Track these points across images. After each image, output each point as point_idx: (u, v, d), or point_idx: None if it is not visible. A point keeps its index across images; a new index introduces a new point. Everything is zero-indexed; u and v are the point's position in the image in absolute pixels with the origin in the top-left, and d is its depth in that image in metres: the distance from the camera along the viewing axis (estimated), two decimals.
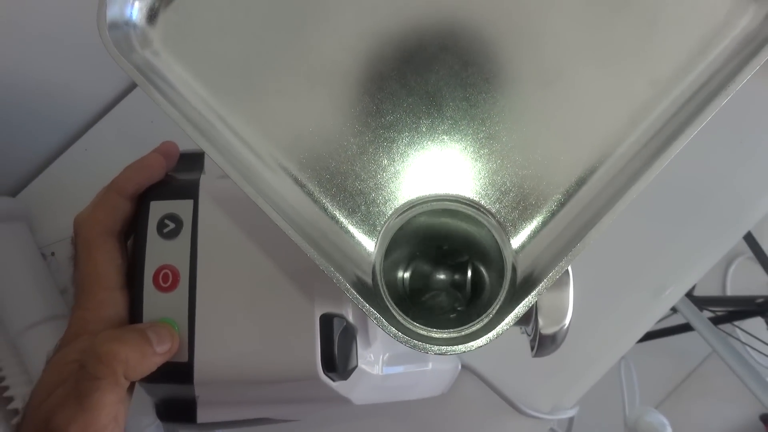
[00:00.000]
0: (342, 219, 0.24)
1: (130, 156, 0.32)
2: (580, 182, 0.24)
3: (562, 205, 0.24)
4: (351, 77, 0.25)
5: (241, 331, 0.30)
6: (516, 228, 0.24)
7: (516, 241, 0.24)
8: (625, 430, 0.65)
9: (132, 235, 0.32)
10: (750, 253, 1.03)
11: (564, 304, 0.30)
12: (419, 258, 0.29)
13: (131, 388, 0.29)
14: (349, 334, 0.31)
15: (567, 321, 0.30)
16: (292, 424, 0.35)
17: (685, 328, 0.97)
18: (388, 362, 0.37)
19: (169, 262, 0.30)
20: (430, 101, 0.25)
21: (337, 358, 0.29)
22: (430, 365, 0.42)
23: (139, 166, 0.31)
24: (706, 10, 0.24)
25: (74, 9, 0.49)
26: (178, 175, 0.33)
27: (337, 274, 0.21)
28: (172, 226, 0.30)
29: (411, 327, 0.22)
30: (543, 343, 0.31)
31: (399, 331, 0.20)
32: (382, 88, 0.25)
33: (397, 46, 0.25)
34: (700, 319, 0.79)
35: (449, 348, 0.20)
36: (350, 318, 0.31)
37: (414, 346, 0.20)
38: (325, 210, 0.24)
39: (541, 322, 0.30)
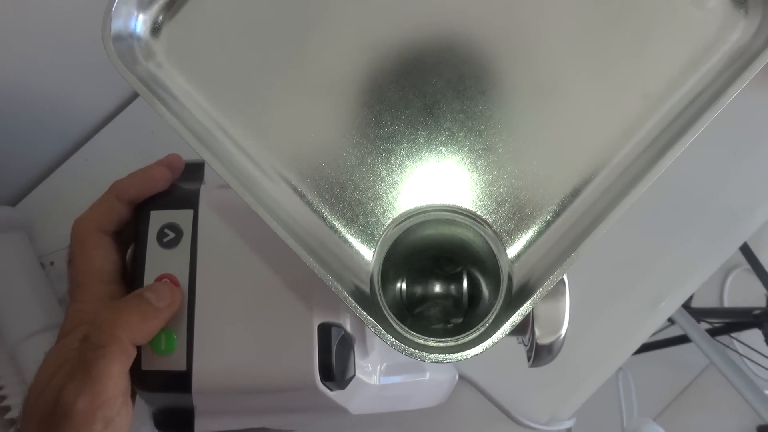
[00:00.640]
0: (341, 229, 0.25)
1: (131, 166, 0.32)
2: (575, 193, 0.24)
3: (557, 215, 0.24)
4: (350, 89, 0.26)
5: (239, 340, 0.30)
6: (512, 238, 0.24)
7: (512, 251, 0.24)
8: None
9: (132, 243, 0.32)
10: (747, 265, 1.03)
11: (560, 314, 0.30)
12: (417, 267, 0.29)
13: (133, 395, 0.29)
14: (347, 343, 0.31)
15: (563, 331, 0.30)
16: None
17: (683, 339, 0.97)
18: (385, 372, 0.37)
19: (168, 271, 0.30)
20: (427, 113, 0.25)
21: (334, 367, 0.29)
22: (428, 375, 0.42)
23: (143, 176, 0.31)
24: (697, 25, 0.24)
25: (74, 20, 0.49)
26: (179, 184, 0.33)
27: (336, 284, 0.21)
28: (172, 235, 0.31)
29: (408, 336, 0.23)
30: (539, 354, 0.31)
31: (396, 339, 0.21)
32: (380, 100, 0.25)
33: (395, 58, 0.25)
34: (698, 330, 0.79)
35: (446, 356, 0.20)
36: (348, 327, 0.31)
37: (411, 355, 0.20)
38: (324, 219, 0.25)
39: (537, 332, 0.30)
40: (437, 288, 0.29)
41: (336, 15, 0.26)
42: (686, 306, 1.00)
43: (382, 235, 0.25)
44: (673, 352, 1.01)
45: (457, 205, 0.25)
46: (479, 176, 0.25)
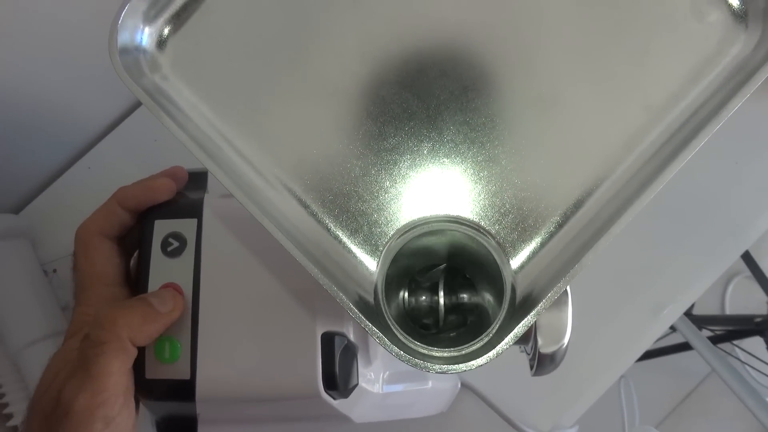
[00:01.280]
0: (345, 239, 0.25)
1: (133, 174, 0.32)
2: (578, 205, 0.24)
3: (560, 226, 0.24)
4: (354, 101, 0.26)
5: (243, 348, 0.30)
6: (515, 249, 0.24)
7: (515, 262, 0.24)
8: None
9: (136, 251, 0.32)
10: (748, 272, 1.03)
11: (563, 323, 0.30)
12: (421, 277, 0.29)
13: (137, 397, 0.29)
14: (350, 352, 0.31)
15: (566, 340, 0.31)
16: None
17: (685, 346, 0.97)
18: (388, 380, 0.37)
19: (172, 280, 0.30)
20: (431, 125, 0.25)
21: (338, 376, 0.29)
22: (430, 384, 0.42)
23: (147, 186, 0.31)
24: (698, 39, 0.25)
25: (78, 30, 0.50)
26: (183, 192, 0.33)
27: (340, 294, 0.21)
28: (176, 244, 0.31)
29: (412, 346, 0.23)
30: (542, 362, 0.31)
31: (401, 350, 0.21)
32: (384, 112, 0.25)
33: (398, 71, 0.26)
34: (699, 338, 0.79)
35: (450, 367, 0.21)
36: (351, 336, 0.31)
37: (416, 365, 0.21)
38: (328, 230, 0.25)
39: (540, 341, 0.30)
40: (441, 298, 0.29)
41: (339, 27, 0.26)
42: (688, 313, 1.00)
43: (385, 245, 0.25)
44: (675, 359, 1.01)
45: (460, 215, 0.25)
46: (482, 187, 0.25)
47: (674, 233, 0.52)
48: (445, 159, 0.25)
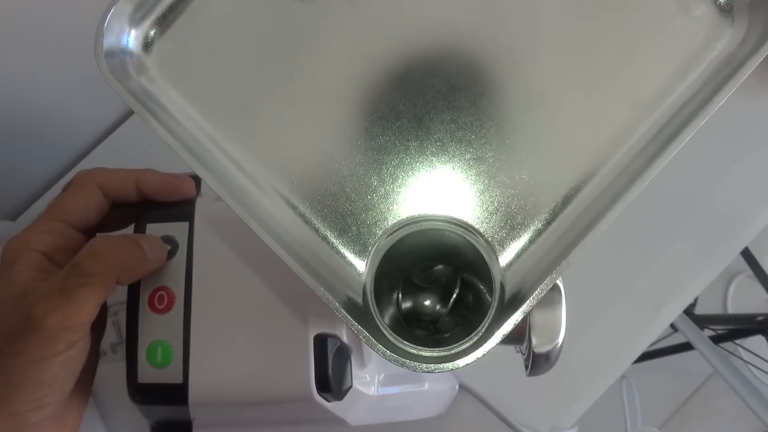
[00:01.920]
0: (333, 240, 0.25)
1: None
2: (566, 201, 0.24)
3: (548, 223, 0.24)
4: (341, 102, 0.26)
5: (235, 352, 0.30)
6: (504, 246, 0.24)
7: (504, 259, 0.24)
8: None
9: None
10: (750, 271, 1.03)
11: (557, 322, 0.30)
12: (414, 278, 0.29)
13: (98, 334, 0.29)
14: (344, 354, 0.31)
15: (560, 339, 0.30)
16: None
17: (687, 346, 0.97)
18: (383, 382, 0.37)
19: (164, 283, 0.30)
20: (418, 124, 0.25)
21: (331, 378, 0.29)
22: (427, 385, 0.42)
23: (171, 180, 0.31)
24: (685, 34, 0.25)
25: (72, 35, 0.50)
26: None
27: (328, 294, 0.21)
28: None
29: (401, 346, 0.23)
30: (537, 362, 0.31)
31: (388, 350, 0.21)
32: (372, 111, 0.25)
33: (386, 71, 0.26)
34: (700, 337, 0.78)
35: (437, 366, 0.20)
36: (344, 338, 0.31)
37: (402, 365, 0.20)
38: (317, 231, 0.25)
39: (534, 340, 0.30)
40: (433, 297, 0.29)
41: (326, 28, 0.26)
42: (689, 313, 1.00)
43: (374, 245, 0.25)
44: (677, 359, 1.01)
45: (448, 214, 0.25)
46: (470, 186, 0.25)
47: (672, 232, 0.51)
48: (432, 158, 0.25)
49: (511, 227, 0.24)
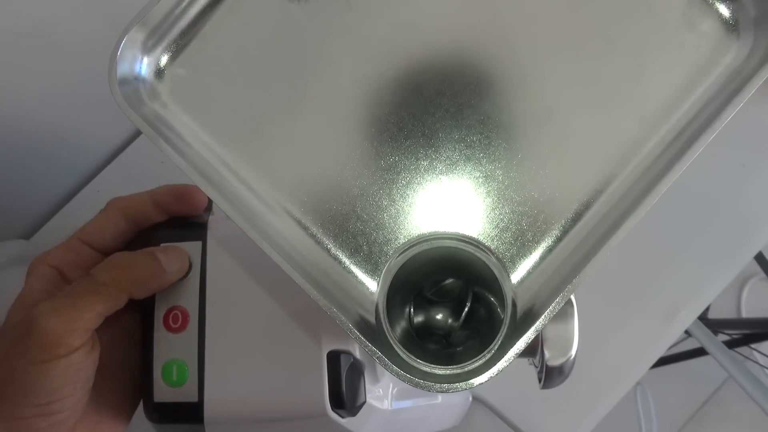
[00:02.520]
0: (344, 259, 0.25)
1: None
2: (576, 218, 0.24)
3: (558, 240, 0.24)
4: (350, 122, 0.26)
5: (250, 370, 0.30)
6: (515, 263, 0.24)
7: (515, 277, 0.24)
8: None
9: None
10: (764, 274, 1.02)
11: (569, 335, 0.30)
12: (425, 292, 0.29)
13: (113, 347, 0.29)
14: (357, 370, 0.31)
15: (573, 352, 0.30)
16: None
17: (702, 351, 0.96)
18: (397, 396, 0.37)
19: (178, 303, 0.31)
20: (427, 143, 0.25)
21: (345, 394, 0.29)
22: (440, 398, 0.42)
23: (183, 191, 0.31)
24: (691, 49, 0.25)
25: (83, 57, 0.51)
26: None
27: (340, 314, 0.21)
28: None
29: (414, 364, 0.23)
30: (550, 375, 0.31)
31: (402, 369, 0.21)
32: (380, 131, 0.26)
33: (394, 91, 0.26)
34: (714, 342, 0.78)
35: (450, 386, 0.20)
36: (357, 354, 0.31)
37: (416, 385, 0.21)
38: (328, 251, 0.25)
39: (547, 353, 0.30)
40: (445, 311, 0.29)
41: (334, 50, 0.27)
42: (703, 318, 0.99)
43: (385, 264, 0.25)
44: (691, 365, 1.00)
45: (459, 232, 0.25)
46: (480, 203, 0.25)
47: (685, 238, 0.51)
48: (442, 177, 0.25)
49: (521, 244, 0.24)
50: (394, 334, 0.24)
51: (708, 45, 0.25)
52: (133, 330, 0.31)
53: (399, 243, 0.25)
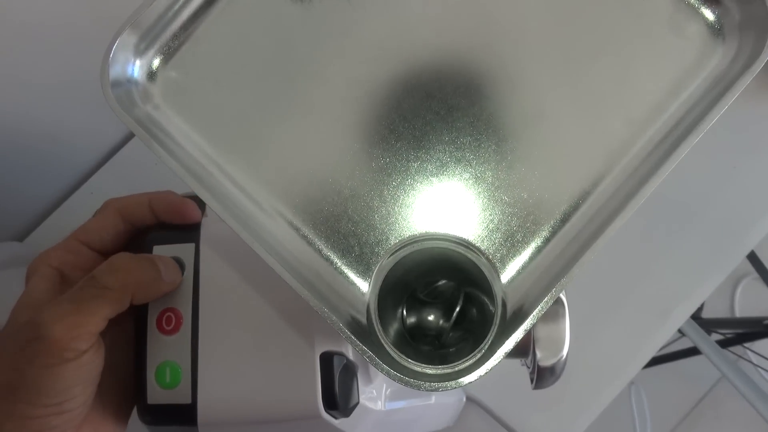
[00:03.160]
0: (336, 260, 0.25)
1: None
2: (565, 219, 0.24)
3: (548, 240, 0.24)
4: (342, 124, 0.26)
5: (243, 371, 0.30)
6: (504, 264, 0.25)
7: (505, 277, 0.24)
8: None
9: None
10: (756, 274, 1.02)
11: (561, 335, 0.31)
12: (417, 293, 0.29)
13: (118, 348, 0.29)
14: (350, 371, 0.31)
15: (564, 352, 0.31)
16: None
17: (696, 350, 0.96)
18: (390, 397, 0.38)
19: (171, 305, 0.31)
20: (418, 145, 0.26)
21: (338, 395, 0.30)
22: (434, 399, 0.42)
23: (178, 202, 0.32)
24: (677, 53, 0.25)
25: (77, 58, 0.51)
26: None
27: (331, 315, 0.22)
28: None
29: (405, 364, 0.23)
30: (542, 376, 0.31)
31: (392, 368, 0.21)
32: (372, 133, 0.26)
33: (385, 93, 0.26)
34: (707, 342, 0.78)
35: (440, 384, 0.21)
36: (350, 356, 0.31)
37: (406, 383, 0.21)
38: (320, 252, 0.25)
39: (538, 354, 0.30)
40: (437, 312, 0.30)
41: (325, 53, 0.27)
42: (697, 317, 0.99)
43: (376, 265, 0.25)
44: (685, 364, 1.00)
45: (450, 233, 0.25)
46: (471, 204, 0.25)
47: (677, 238, 0.52)
48: (432, 178, 0.25)
49: (511, 245, 0.25)
50: (385, 334, 0.24)
51: (694, 49, 0.25)
52: (131, 329, 0.31)
53: (390, 244, 0.25)
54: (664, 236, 0.52)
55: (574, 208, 0.24)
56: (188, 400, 0.30)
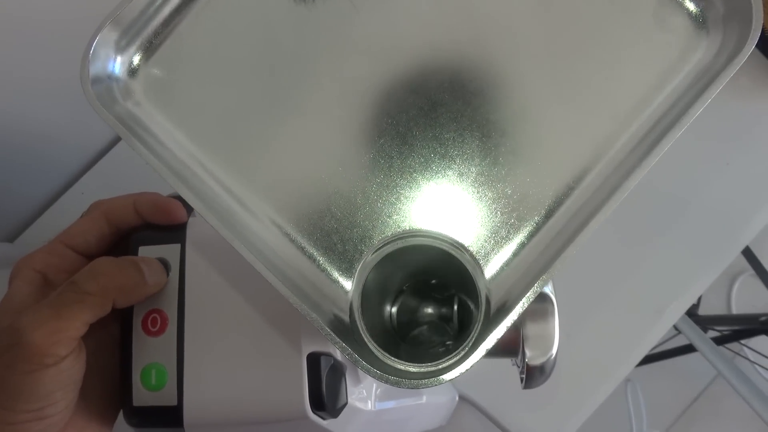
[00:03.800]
0: (319, 258, 0.25)
1: None
2: (549, 214, 0.24)
3: (531, 236, 0.24)
4: (324, 121, 0.26)
5: (229, 373, 0.30)
6: (488, 260, 0.24)
7: (489, 273, 0.24)
8: None
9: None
10: (753, 271, 1.02)
11: (550, 333, 0.30)
12: (407, 293, 0.29)
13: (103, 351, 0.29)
14: (338, 371, 0.31)
15: (554, 351, 0.30)
16: None
17: (693, 348, 0.96)
18: (380, 397, 0.37)
19: (157, 306, 0.30)
20: (401, 141, 0.25)
21: (325, 396, 0.29)
22: (425, 398, 0.42)
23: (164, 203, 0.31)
24: (662, 47, 0.25)
25: (67, 59, 0.50)
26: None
27: (311, 312, 0.21)
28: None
29: (389, 362, 0.23)
30: (532, 375, 0.31)
31: (373, 366, 0.21)
32: (354, 130, 0.26)
33: (368, 90, 0.26)
34: (703, 339, 0.78)
35: (420, 382, 0.20)
36: (338, 356, 0.31)
37: (386, 381, 0.21)
38: (302, 250, 0.25)
39: (528, 353, 0.30)
40: (428, 312, 0.29)
41: (308, 49, 0.27)
42: (693, 314, 0.99)
43: (360, 262, 0.25)
44: (682, 361, 1.00)
45: (434, 230, 0.25)
46: (455, 201, 0.25)
47: (671, 235, 0.52)
48: (416, 175, 0.25)
49: (495, 241, 0.24)
50: (370, 334, 0.24)
51: (678, 42, 0.25)
52: (117, 332, 0.31)
53: (373, 241, 0.25)
54: (657, 233, 0.51)
55: (559, 203, 0.24)
56: (174, 402, 0.29)
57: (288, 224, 0.25)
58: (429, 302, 0.30)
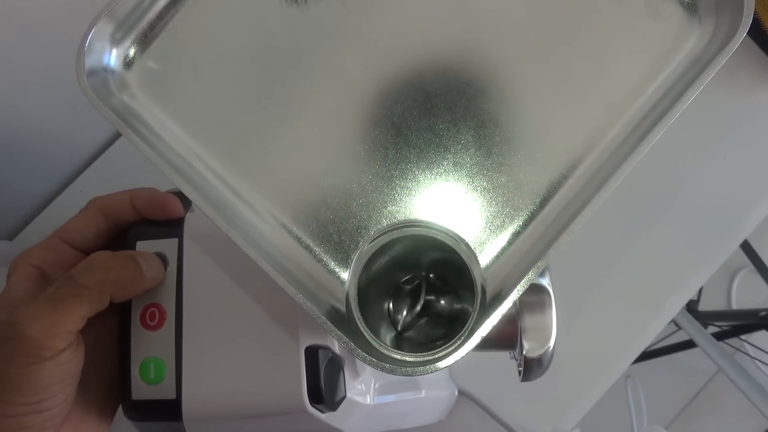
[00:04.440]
0: (315, 249, 0.25)
1: None
2: (543, 203, 0.24)
3: (526, 225, 0.24)
4: (320, 113, 0.26)
5: (228, 366, 0.30)
6: (484, 249, 0.24)
7: (484, 262, 0.24)
8: None
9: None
10: (753, 266, 1.02)
11: (547, 326, 0.30)
12: (406, 285, 0.29)
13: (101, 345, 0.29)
14: (336, 365, 0.31)
15: (551, 343, 0.30)
16: None
17: (693, 343, 0.96)
18: (379, 391, 0.37)
19: (155, 300, 0.30)
20: (396, 132, 0.26)
21: (323, 389, 0.29)
22: (424, 392, 0.42)
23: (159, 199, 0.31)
24: (654, 36, 0.25)
25: (64, 55, 0.50)
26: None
27: (308, 302, 0.21)
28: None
29: (385, 351, 0.23)
30: (529, 367, 0.31)
31: (370, 355, 0.21)
32: (349, 121, 0.26)
33: (362, 81, 0.26)
34: (703, 334, 0.78)
35: (416, 369, 0.21)
36: (336, 349, 0.31)
37: (381, 368, 0.21)
38: (299, 240, 0.25)
39: (525, 345, 0.30)
40: (422, 305, 0.29)
41: (302, 41, 0.27)
42: (693, 309, 0.99)
43: (356, 252, 0.25)
44: (682, 357, 1.00)
45: (428, 220, 0.25)
46: (450, 191, 0.25)
47: (670, 229, 0.52)
48: (411, 165, 0.25)
49: (490, 230, 0.24)
50: (367, 324, 0.24)
51: (671, 31, 0.25)
52: (115, 326, 0.31)
53: (369, 232, 0.25)
54: (655, 227, 0.51)
55: (553, 192, 0.24)
56: (173, 396, 0.29)
57: (284, 215, 0.25)
58: (428, 294, 0.30)
